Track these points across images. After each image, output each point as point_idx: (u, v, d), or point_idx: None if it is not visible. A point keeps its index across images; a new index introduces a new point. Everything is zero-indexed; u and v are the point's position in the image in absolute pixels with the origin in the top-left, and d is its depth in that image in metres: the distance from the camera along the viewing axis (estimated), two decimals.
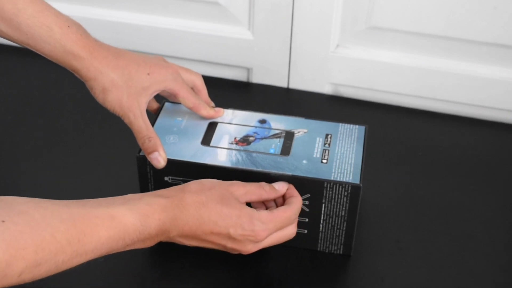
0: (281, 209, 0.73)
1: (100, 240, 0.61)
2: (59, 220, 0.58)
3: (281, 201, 0.76)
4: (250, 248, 0.72)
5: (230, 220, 0.69)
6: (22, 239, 0.54)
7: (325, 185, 0.76)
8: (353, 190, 0.76)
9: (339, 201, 0.77)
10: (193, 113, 0.84)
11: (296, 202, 0.75)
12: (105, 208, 0.63)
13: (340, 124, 0.84)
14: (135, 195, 0.67)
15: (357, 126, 0.84)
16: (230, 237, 0.70)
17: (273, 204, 0.76)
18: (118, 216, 0.63)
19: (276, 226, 0.72)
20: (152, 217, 0.65)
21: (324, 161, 0.79)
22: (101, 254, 0.62)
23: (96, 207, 0.62)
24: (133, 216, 0.64)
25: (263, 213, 0.72)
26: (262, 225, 0.71)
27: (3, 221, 0.54)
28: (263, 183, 0.75)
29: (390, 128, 1.04)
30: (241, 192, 0.72)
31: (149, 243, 0.67)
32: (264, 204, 0.76)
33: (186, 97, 0.81)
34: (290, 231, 0.74)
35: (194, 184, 0.71)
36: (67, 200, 0.62)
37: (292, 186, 0.76)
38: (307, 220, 0.80)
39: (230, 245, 0.71)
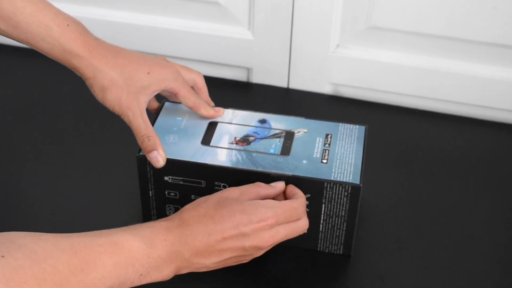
0: (288, 200, 0.72)
1: (105, 268, 0.59)
2: (60, 251, 0.57)
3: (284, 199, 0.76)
4: (267, 238, 0.69)
5: (235, 218, 0.68)
6: (22, 273, 0.53)
7: (325, 185, 0.76)
8: (353, 190, 0.76)
9: (339, 201, 0.77)
10: (193, 112, 0.84)
11: (301, 197, 0.74)
12: (107, 236, 0.61)
13: (340, 124, 0.84)
14: (134, 225, 0.65)
15: (357, 126, 0.84)
16: (243, 235, 0.68)
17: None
18: (121, 241, 0.61)
19: (285, 213, 0.70)
20: (158, 238, 0.64)
21: (324, 161, 0.79)
22: (112, 285, 0.60)
23: (97, 235, 0.61)
24: (137, 240, 0.62)
25: (269, 200, 0.71)
26: (269, 209, 0.69)
27: (2, 256, 0.53)
28: (258, 182, 0.74)
29: (390, 128, 1.04)
30: (236, 194, 0.71)
31: (167, 272, 0.65)
32: None
33: (187, 97, 0.81)
34: (302, 223, 0.72)
35: (188, 205, 0.70)
36: (68, 233, 0.60)
37: (292, 185, 0.76)
38: None
39: (248, 244, 0.68)
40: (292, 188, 0.76)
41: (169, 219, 0.67)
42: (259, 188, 0.73)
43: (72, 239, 0.59)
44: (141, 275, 0.62)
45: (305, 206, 0.74)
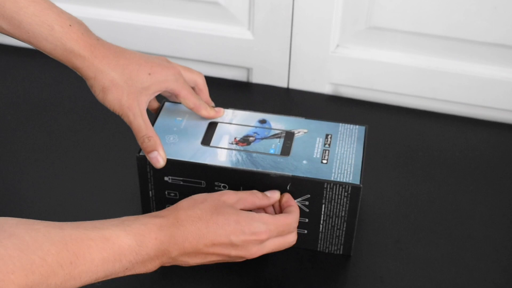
0: (282, 215, 0.73)
1: (93, 262, 0.60)
2: (50, 242, 0.57)
3: (279, 210, 0.77)
4: (254, 251, 0.71)
5: (229, 227, 0.69)
6: (11, 263, 0.54)
7: (325, 186, 0.76)
8: (353, 191, 0.76)
9: (339, 202, 0.77)
10: (193, 113, 0.84)
11: (296, 211, 0.75)
12: (99, 230, 0.62)
13: (340, 124, 0.84)
14: (130, 217, 0.66)
15: (357, 126, 0.84)
16: (232, 245, 0.69)
17: (272, 211, 0.76)
18: (112, 238, 0.62)
19: (278, 229, 0.72)
20: (149, 237, 0.65)
21: (324, 161, 0.79)
22: (97, 278, 0.61)
23: (90, 229, 0.61)
24: (128, 237, 0.63)
25: (264, 215, 0.72)
26: (263, 225, 0.70)
27: None
28: (255, 191, 0.75)
29: (390, 128, 1.04)
30: (233, 199, 0.72)
31: (151, 267, 0.66)
32: (264, 211, 0.76)
33: (187, 98, 0.81)
34: (291, 239, 0.74)
35: (185, 201, 0.71)
36: (61, 222, 0.61)
37: (289, 195, 0.77)
38: (307, 220, 0.80)
39: (234, 253, 0.70)
40: (288, 199, 0.76)
41: (164, 216, 0.68)
42: (255, 198, 0.74)
43: (63, 231, 0.59)
44: (126, 269, 0.63)
45: (297, 221, 0.75)
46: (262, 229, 0.70)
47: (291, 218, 0.73)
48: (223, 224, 0.68)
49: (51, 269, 0.56)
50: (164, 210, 0.70)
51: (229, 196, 0.72)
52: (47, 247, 0.57)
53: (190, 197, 0.72)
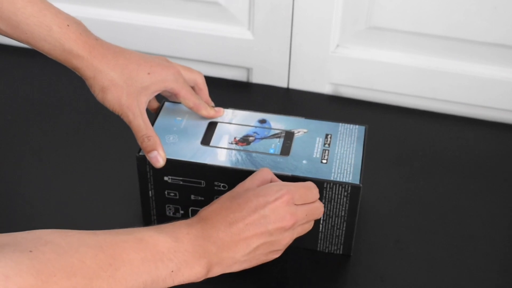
0: (299, 182, 0.72)
1: (133, 263, 0.59)
2: (86, 246, 0.57)
3: None
4: (288, 216, 0.68)
5: (252, 203, 0.67)
6: (51, 266, 0.54)
7: (325, 185, 0.76)
8: (353, 190, 0.76)
9: (339, 201, 0.77)
10: (193, 112, 0.84)
11: (311, 183, 0.73)
12: (131, 233, 0.61)
13: (340, 124, 0.84)
14: (154, 225, 0.66)
15: (357, 126, 0.84)
16: (264, 217, 0.67)
17: None
18: (146, 238, 0.62)
19: (299, 191, 0.70)
20: (181, 232, 0.64)
21: (324, 161, 0.79)
22: (144, 282, 0.60)
23: (121, 233, 0.61)
24: (161, 235, 0.63)
25: (278, 181, 0.71)
26: (283, 186, 0.69)
27: (30, 251, 0.54)
28: (261, 168, 0.74)
29: (390, 128, 1.04)
30: (245, 185, 0.71)
31: (199, 269, 0.64)
32: None
33: (187, 97, 0.81)
34: (318, 204, 0.72)
35: (203, 207, 0.70)
36: (92, 231, 0.61)
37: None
38: None
39: (271, 226, 0.68)
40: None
41: (188, 219, 0.68)
42: (263, 172, 0.73)
43: (96, 236, 0.59)
44: (172, 271, 0.62)
45: (317, 189, 0.73)
46: (283, 190, 0.69)
47: (309, 183, 0.72)
48: (245, 203, 0.68)
49: (92, 271, 0.56)
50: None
51: (240, 186, 0.71)
52: (84, 250, 0.57)
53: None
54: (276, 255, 0.71)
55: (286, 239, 0.70)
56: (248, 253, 0.68)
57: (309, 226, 0.73)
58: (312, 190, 0.72)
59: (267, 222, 0.68)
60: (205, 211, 0.69)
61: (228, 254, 0.67)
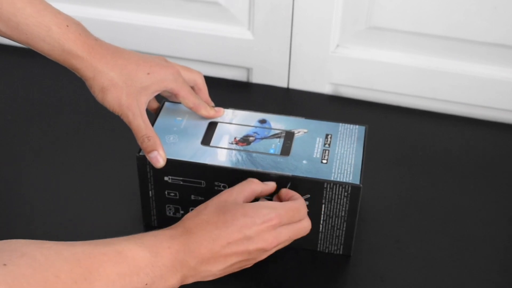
0: (289, 201, 0.72)
1: (109, 277, 0.59)
2: (62, 259, 0.56)
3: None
4: (271, 240, 0.68)
5: (238, 222, 0.67)
6: (24, 281, 0.53)
7: (325, 186, 0.76)
8: (353, 191, 0.76)
9: (339, 202, 0.77)
10: (193, 113, 0.84)
11: (300, 198, 0.74)
12: (110, 245, 0.61)
13: (340, 124, 0.84)
14: (137, 234, 0.65)
15: (357, 126, 0.84)
16: (247, 238, 0.67)
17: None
18: (125, 251, 0.61)
19: (287, 214, 0.70)
20: (161, 246, 0.64)
21: (324, 161, 0.79)
22: None
23: (100, 244, 0.60)
24: (140, 249, 0.62)
25: (269, 202, 0.71)
26: (271, 210, 0.69)
27: (4, 264, 0.53)
28: (250, 179, 0.74)
29: (390, 128, 1.04)
30: (233, 195, 0.71)
31: (173, 281, 0.64)
32: None
33: (187, 97, 0.81)
34: (305, 223, 0.72)
35: (189, 213, 0.70)
36: (71, 242, 0.60)
37: (286, 189, 0.76)
38: None
39: (252, 247, 0.68)
40: (287, 192, 0.75)
41: (172, 228, 0.67)
42: (253, 184, 0.73)
43: (75, 248, 0.58)
44: (146, 284, 0.62)
45: (305, 207, 0.73)
46: (272, 214, 0.68)
47: (298, 202, 0.72)
48: (232, 220, 0.67)
49: (66, 286, 0.55)
50: (170, 226, 0.69)
51: (228, 194, 0.71)
52: (60, 264, 0.56)
53: (193, 210, 0.71)
54: (249, 265, 0.71)
55: (263, 257, 0.71)
56: (224, 268, 0.68)
57: (289, 243, 0.73)
58: (300, 211, 0.72)
59: (249, 243, 0.68)
60: (191, 222, 0.68)
61: (205, 268, 0.67)
